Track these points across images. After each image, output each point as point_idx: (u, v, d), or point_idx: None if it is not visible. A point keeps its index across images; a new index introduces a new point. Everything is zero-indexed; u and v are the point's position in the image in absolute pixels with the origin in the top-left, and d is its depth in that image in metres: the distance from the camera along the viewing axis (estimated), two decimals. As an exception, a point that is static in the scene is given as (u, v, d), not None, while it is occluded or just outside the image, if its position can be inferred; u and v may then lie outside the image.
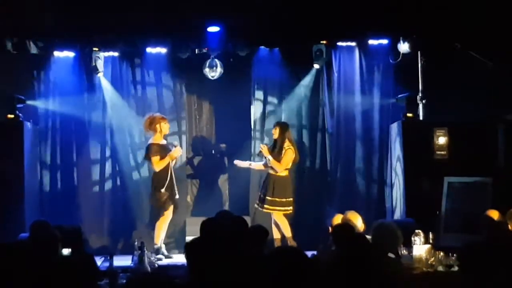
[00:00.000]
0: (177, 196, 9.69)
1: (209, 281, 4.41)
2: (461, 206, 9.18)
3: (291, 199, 9.72)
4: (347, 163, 10.71)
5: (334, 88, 10.75)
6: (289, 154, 9.66)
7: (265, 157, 9.74)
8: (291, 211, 9.71)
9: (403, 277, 5.46)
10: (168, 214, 9.61)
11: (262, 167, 9.95)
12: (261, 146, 9.86)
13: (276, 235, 9.58)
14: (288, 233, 9.61)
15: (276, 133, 9.79)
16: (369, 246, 4.79)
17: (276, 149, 9.71)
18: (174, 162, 9.81)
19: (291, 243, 9.40)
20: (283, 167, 9.67)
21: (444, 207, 9.33)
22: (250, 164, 10.09)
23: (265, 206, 9.64)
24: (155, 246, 9.46)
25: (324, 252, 7.02)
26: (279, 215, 9.65)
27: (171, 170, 9.60)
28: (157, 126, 9.60)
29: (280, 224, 9.65)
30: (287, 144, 9.69)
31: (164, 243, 9.70)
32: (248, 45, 10.44)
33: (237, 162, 10.12)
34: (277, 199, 9.62)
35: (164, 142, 9.68)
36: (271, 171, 9.76)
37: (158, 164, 9.54)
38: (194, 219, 10.07)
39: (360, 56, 10.66)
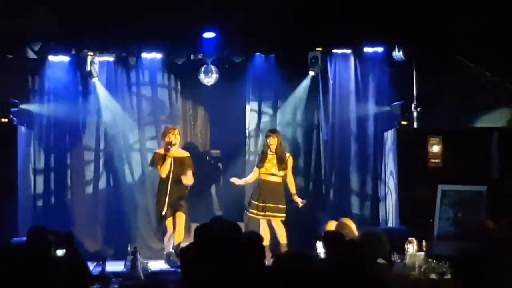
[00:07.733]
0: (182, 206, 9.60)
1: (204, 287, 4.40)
2: (455, 214, 9.18)
3: (285, 206, 9.71)
4: (341, 170, 10.71)
5: (329, 95, 10.76)
6: (291, 161, 9.84)
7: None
8: (284, 218, 9.70)
9: (395, 283, 5.46)
10: (169, 222, 9.57)
11: (256, 177, 9.91)
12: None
13: (265, 242, 9.54)
14: (283, 239, 9.59)
15: (275, 142, 9.76)
16: (360, 253, 4.80)
17: (277, 158, 9.72)
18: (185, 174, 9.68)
19: (284, 249, 9.38)
20: (292, 176, 9.80)
21: (438, 215, 9.33)
22: (245, 182, 10.05)
23: (260, 213, 9.62)
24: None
25: (316, 259, 7.01)
26: (277, 221, 9.64)
27: (171, 180, 9.55)
28: (166, 138, 9.61)
29: (277, 230, 9.63)
30: (284, 151, 9.79)
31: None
32: (244, 51, 10.47)
33: (233, 180, 10.06)
34: (271, 205, 9.60)
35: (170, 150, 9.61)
36: (262, 177, 9.74)
37: (161, 171, 9.56)
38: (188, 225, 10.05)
39: (355, 64, 10.67)
